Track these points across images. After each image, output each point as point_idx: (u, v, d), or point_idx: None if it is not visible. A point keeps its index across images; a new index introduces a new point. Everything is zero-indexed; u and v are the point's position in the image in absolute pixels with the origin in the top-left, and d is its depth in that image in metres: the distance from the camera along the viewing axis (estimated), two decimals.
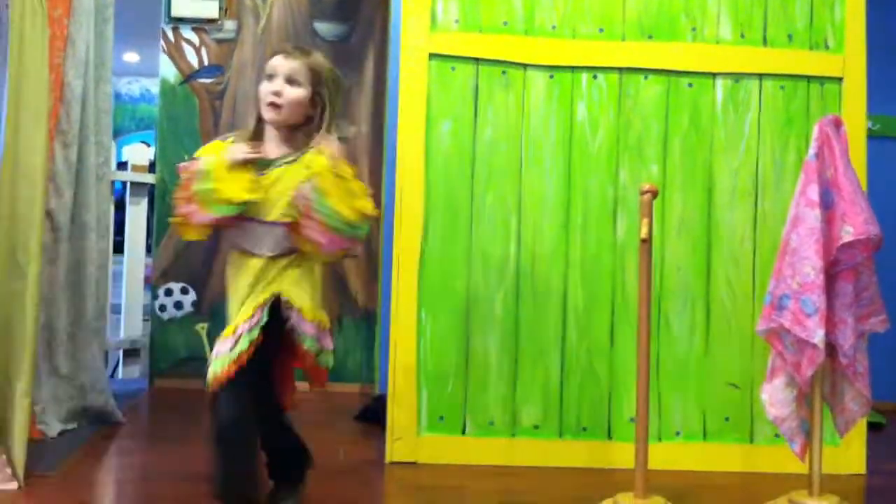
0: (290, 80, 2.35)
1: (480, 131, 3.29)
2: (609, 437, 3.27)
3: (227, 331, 2.28)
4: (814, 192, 2.62)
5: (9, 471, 2.72)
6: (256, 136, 2.38)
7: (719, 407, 3.30)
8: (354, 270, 4.66)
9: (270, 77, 2.37)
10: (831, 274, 2.64)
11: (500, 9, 3.30)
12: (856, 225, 2.59)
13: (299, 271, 2.34)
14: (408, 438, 3.22)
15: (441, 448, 3.24)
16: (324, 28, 4.69)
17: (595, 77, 3.30)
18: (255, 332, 2.25)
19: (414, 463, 3.21)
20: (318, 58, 2.41)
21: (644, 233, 2.56)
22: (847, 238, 2.59)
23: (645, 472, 2.63)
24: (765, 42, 3.33)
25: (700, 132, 3.32)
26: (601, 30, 3.31)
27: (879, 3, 3.91)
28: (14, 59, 2.77)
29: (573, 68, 3.29)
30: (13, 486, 2.71)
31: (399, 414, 3.22)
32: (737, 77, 3.31)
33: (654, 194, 2.64)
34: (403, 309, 3.24)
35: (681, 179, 3.31)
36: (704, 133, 3.32)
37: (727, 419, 3.30)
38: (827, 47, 3.34)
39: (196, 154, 2.38)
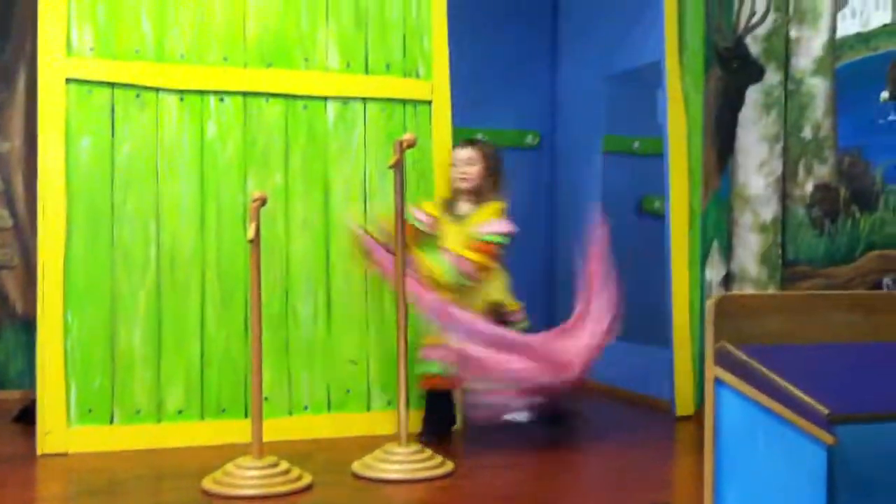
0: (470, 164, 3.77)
1: (119, 147, 3.65)
2: (246, 415, 3.66)
3: None
4: None
5: None
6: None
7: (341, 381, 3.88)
8: (12, 279, 4.80)
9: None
10: None
11: (133, 37, 3.66)
12: None
13: None
14: (58, 431, 3.51)
15: (91, 438, 3.55)
16: None
17: (222, 100, 3.75)
18: None
19: (65, 454, 3.50)
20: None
21: (251, 234, 3.03)
22: None
23: (260, 437, 3.09)
24: (367, 70, 3.93)
25: (316, 146, 3.86)
26: (226, 58, 3.76)
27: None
28: None
29: (202, 92, 3.73)
30: None
31: (49, 409, 3.50)
32: (345, 100, 3.88)
33: (263, 202, 3.13)
34: (50, 310, 3.53)
35: (302, 186, 3.84)
36: (320, 147, 3.87)
37: (349, 391, 3.87)
38: (418, 75, 4.00)
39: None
